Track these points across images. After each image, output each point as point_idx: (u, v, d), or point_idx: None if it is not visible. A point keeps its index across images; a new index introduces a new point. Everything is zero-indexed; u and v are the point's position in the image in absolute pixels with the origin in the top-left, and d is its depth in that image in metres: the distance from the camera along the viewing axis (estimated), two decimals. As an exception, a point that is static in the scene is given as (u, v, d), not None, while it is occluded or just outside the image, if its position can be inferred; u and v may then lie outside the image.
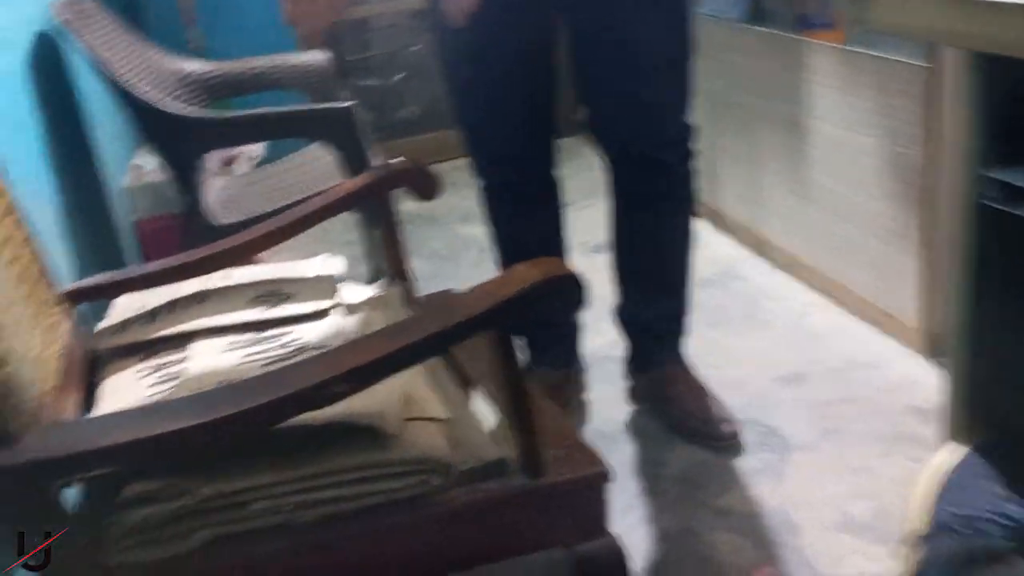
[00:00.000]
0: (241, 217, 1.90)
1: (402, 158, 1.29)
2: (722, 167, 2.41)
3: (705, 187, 2.35)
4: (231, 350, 1.11)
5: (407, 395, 0.93)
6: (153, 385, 1.06)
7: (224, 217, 1.90)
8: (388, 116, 3.66)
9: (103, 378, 1.11)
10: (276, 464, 0.85)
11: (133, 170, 2.48)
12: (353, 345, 0.84)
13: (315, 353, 1.03)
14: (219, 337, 1.14)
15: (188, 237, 1.87)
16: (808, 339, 1.92)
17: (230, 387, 0.82)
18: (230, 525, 0.83)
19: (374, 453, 0.86)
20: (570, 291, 0.84)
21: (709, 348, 1.85)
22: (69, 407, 0.99)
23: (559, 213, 1.71)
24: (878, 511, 1.39)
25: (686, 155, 1.57)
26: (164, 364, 1.11)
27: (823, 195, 2.00)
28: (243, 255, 1.23)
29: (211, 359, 1.09)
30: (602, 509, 0.94)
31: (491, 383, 1.07)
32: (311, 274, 1.27)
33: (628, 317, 1.71)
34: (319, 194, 1.83)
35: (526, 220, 1.67)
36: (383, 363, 0.81)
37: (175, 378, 1.06)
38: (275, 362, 1.03)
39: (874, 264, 1.87)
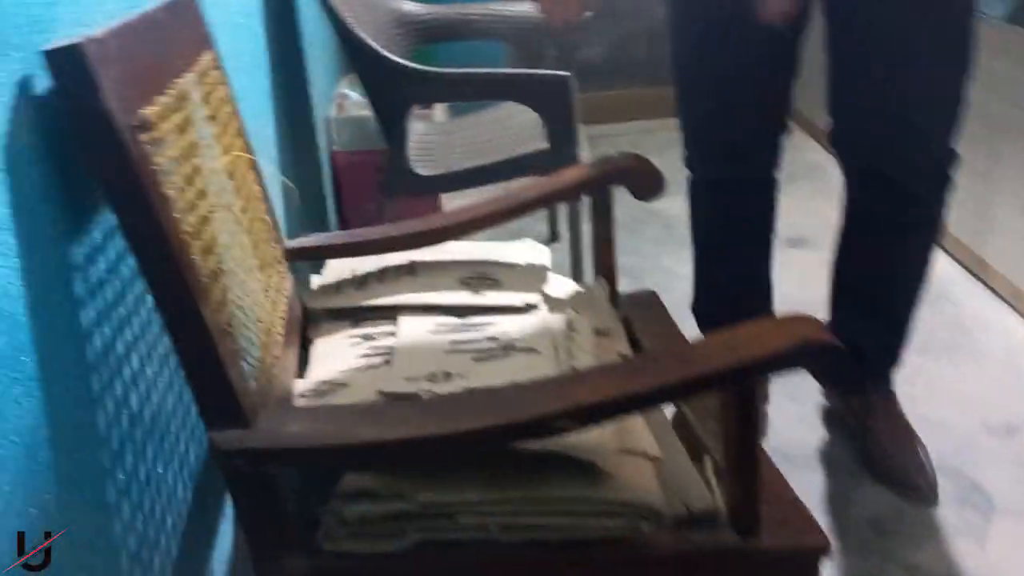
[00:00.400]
0: (440, 170, 1.90)
1: (626, 152, 1.23)
2: (948, 174, 2.20)
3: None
4: (437, 332, 1.11)
5: (621, 425, 0.89)
6: (363, 356, 1.07)
7: (422, 167, 1.90)
8: (569, 55, 3.57)
9: (314, 337, 1.14)
10: (486, 482, 0.83)
11: (338, 99, 2.53)
12: (582, 380, 0.80)
13: (523, 357, 1.01)
14: (425, 316, 1.14)
15: (387, 184, 1.89)
16: (1025, 385, 1.74)
17: (460, 402, 0.81)
18: (438, 532, 0.83)
19: (586, 489, 0.83)
20: (827, 360, 0.76)
21: (912, 375, 1.72)
22: (289, 367, 1.02)
23: (772, 217, 1.59)
24: (1093, 603, 1.26)
25: (943, 186, 1.39)
26: (374, 334, 1.12)
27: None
28: (460, 233, 1.21)
29: (419, 339, 1.09)
30: (813, 582, 0.87)
31: (708, 423, 1.02)
32: (520, 261, 1.24)
33: (839, 334, 1.58)
34: (521, 157, 1.84)
35: (736, 220, 1.57)
36: (613, 405, 0.77)
37: (384, 353, 1.06)
38: (484, 358, 1.02)
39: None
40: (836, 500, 1.47)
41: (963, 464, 1.53)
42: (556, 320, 1.11)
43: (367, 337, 1.12)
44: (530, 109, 1.83)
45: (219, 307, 0.79)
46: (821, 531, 0.87)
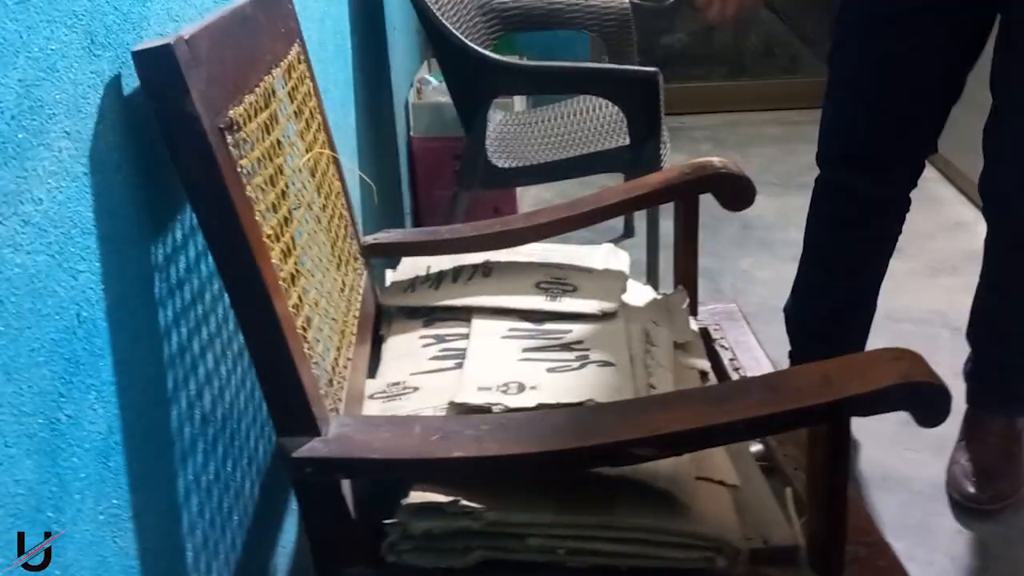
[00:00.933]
0: (518, 163, 1.87)
1: (716, 160, 1.18)
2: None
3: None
4: (510, 337, 1.08)
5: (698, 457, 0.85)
6: (434, 358, 1.06)
7: (500, 158, 1.88)
8: (652, 40, 3.49)
9: (387, 335, 1.12)
10: (559, 504, 0.81)
11: (417, 84, 2.51)
12: (664, 407, 0.77)
13: (598, 370, 0.98)
14: (499, 319, 1.12)
15: (464, 175, 1.87)
16: None
17: (534, 422, 0.78)
18: (505, 552, 0.81)
19: (662, 519, 0.80)
20: (933, 403, 0.71)
21: None
22: (361, 367, 1.01)
23: (896, 237, 1.49)
24: None
25: None
26: (446, 336, 1.10)
27: None
28: (539, 236, 1.19)
29: (491, 344, 1.07)
30: (895, 628, 0.83)
31: (788, 448, 0.97)
32: (598, 266, 1.21)
33: (980, 364, 1.50)
34: (602, 153, 1.80)
35: (859, 235, 1.47)
36: (695, 436, 0.73)
37: (456, 356, 1.05)
38: (559, 369, 0.99)
39: None
40: (917, 530, 1.41)
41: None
42: (634, 331, 1.07)
43: (439, 338, 1.10)
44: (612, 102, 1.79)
45: (295, 310, 0.78)
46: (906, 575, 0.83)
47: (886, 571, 0.83)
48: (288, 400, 0.74)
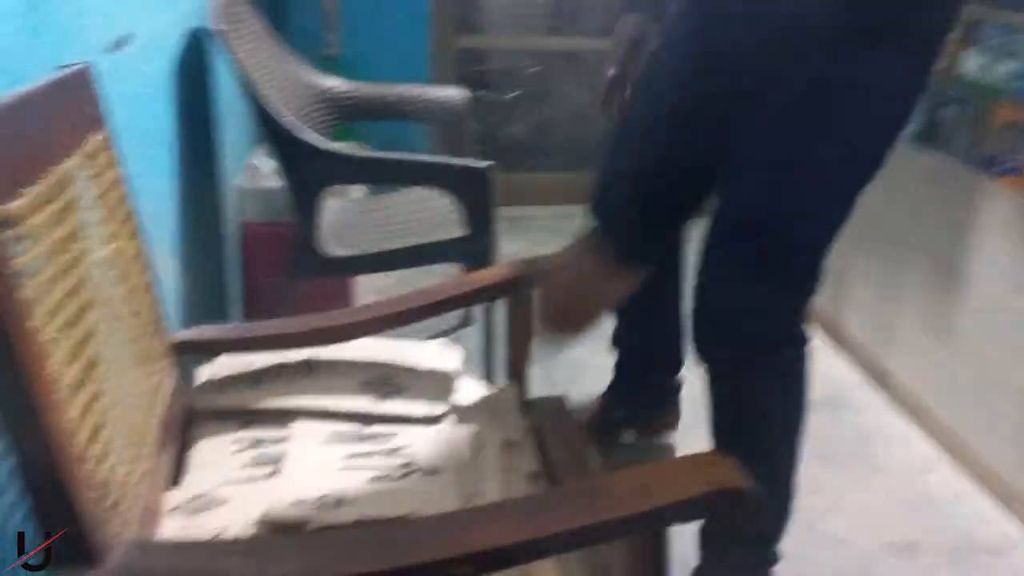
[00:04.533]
0: (352, 252, 1.83)
1: (551, 256, 1.19)
2: (852, 280, 2.26)
3: (828, 294, 2.19)
4: (333, 442, 1.03)
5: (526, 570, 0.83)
6: (247, 467, 0.99)
7: (335, 247, 1.83)
8: (494, 130, 3.59)
9: (195, 439, 1.04)
10: None
11: (248, 170, 2.44)
12: (482, 521, 0.74)
13: (423, 480, 0.94)
14: (322, 422, 1.07)
15: (294, 265, 1.81)
16: (925, 502, 1.75)
17: (347, 540, 0.73)
18: None
19: None
20: (744, 510, 0.72)
21: (813, 485, 1.70)
22: (160, 481, 0.92)
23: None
24: None
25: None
26: (262, 441, 1.04)
27: (968, 351, 1.84)
28: (368, 331, 1.15)
29: (312, 451, 1.01)
30: None
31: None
32: (426, 365, 1.18)
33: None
34: (437, 243, 1.79)
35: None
36: (514, 551, 0.71)
37: (272, 461, 0.98)
38: (382, 479, 0.94)
39: (1016, 438, 1.70)
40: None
41: (865, 585, 1.52)
42: (463, 435, 1.05)
43: (256, 442, 1.04)
44: (448, 194, 1.79)
45: (81, 418, 0.70)
46: None
47: None
48: (61, 524, 0.66)
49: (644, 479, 0.75)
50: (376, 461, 0.98)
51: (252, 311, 2.39)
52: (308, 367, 1.15)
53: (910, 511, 1.72)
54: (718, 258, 1.24)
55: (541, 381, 1.39)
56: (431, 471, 0.95)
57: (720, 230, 1.23)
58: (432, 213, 2.00)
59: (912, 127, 2.00)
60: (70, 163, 0.80)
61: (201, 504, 0.90)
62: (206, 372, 1.15)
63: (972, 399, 1.82)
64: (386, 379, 1.13)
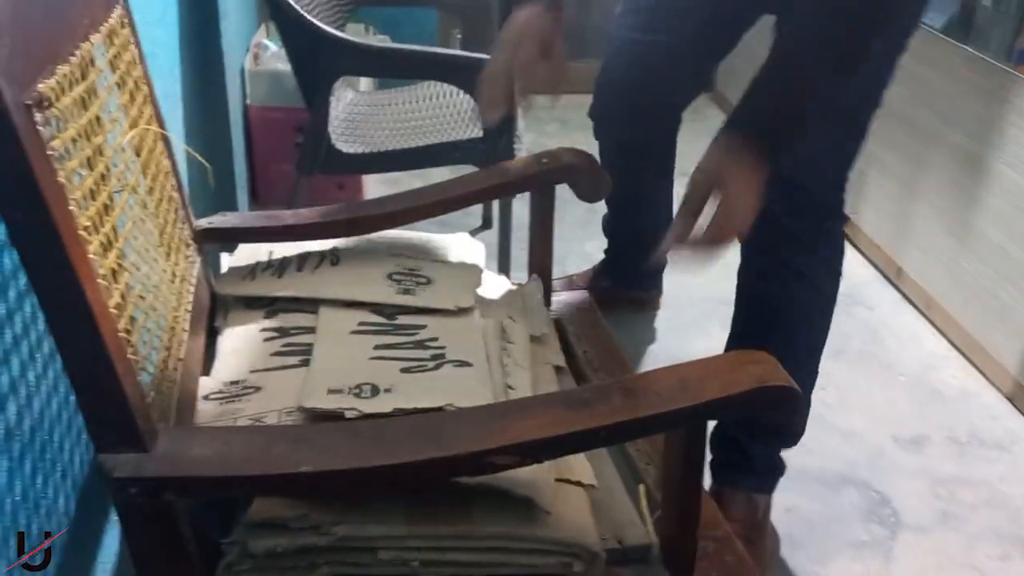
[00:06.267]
0: (364, 149, 1.79)
1: (572, 151, 1.17)
2: (872, 178, 2.23)
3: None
4: (360, 332, 1.02)
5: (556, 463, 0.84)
6: (277, 354, 0.99)
7: (346, 142, 1.78)
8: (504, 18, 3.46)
9: (225, 327, 1.04)
10: (411, 514, 0.77)
11: (255, 50, 2.36)
12: (523, 414, 0.74)
13: (455, 371, 0.94)
14: (348, 312, 1.06)
15: (306, 161, 1.76)
16: (933, 398, 1.78)
17: (390, 431, 0.73)
18: (354, 568, 0.76)
19: (520, 526, 0.77)
20: (785, 405, 0.72)
21: (824, 380, 1.71)
22: (194, 368, 0.92)
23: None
24: (989, 625, 1.29)
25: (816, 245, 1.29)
26: (290, 329, 1.03)
27: (987, 247, 1.82)
28: (388, 224, 1.13)
29: (341, 340, 1.00)
30: (743, 621, 0.85)
31: (640, 443, 0.98)
32: (453, 257, 1.17)
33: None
34: (454, 144, 1.75)
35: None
36: (556, 444, 0.71)
37: (302, 351, 0.98)
38: (414, 369, 0.94)
39: (1027, 336, 1.71)
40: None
41: (872, 477, 1.56)
42: (490, 328, 1.04)
43: (283, 331, 1.03)
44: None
45: (118, 310, 0.69)
46: (754, 570, 0.85)
47: (733, 565, 0.85)
48: (108, 413, 0.65)
49: (683, 376, 0.75)
50: (406, 352, 0.97)
51: (262, 200, 2.36)
52: (333, 257, 1.14)
53: (919, 406, 1.75)
54: None
55: (554, 275, 1.38)
56: (462, 363, 0.95)
57: None
58: (447, 111, 1.94)
59: (944, 18, 1.93)
60: (93, 41, 0.77)
61: (236, 391, 0.90)
62: (229, 260, 1.14)
63: (986, 297, 1.82)
64: (412, 271, 1.12)
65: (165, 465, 0.68)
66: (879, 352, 1.91)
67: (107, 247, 0.71)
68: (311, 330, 1.02)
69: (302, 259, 1.13)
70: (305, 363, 0.95)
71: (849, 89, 1.15)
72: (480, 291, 1.12)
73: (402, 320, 1.05)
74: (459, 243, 1.20)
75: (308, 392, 0.86)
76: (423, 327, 1.03)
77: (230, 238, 1.11)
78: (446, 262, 1.15)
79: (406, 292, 1.08)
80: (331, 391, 0.86)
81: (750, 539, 1.33)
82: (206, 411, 0.87)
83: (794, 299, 1.28)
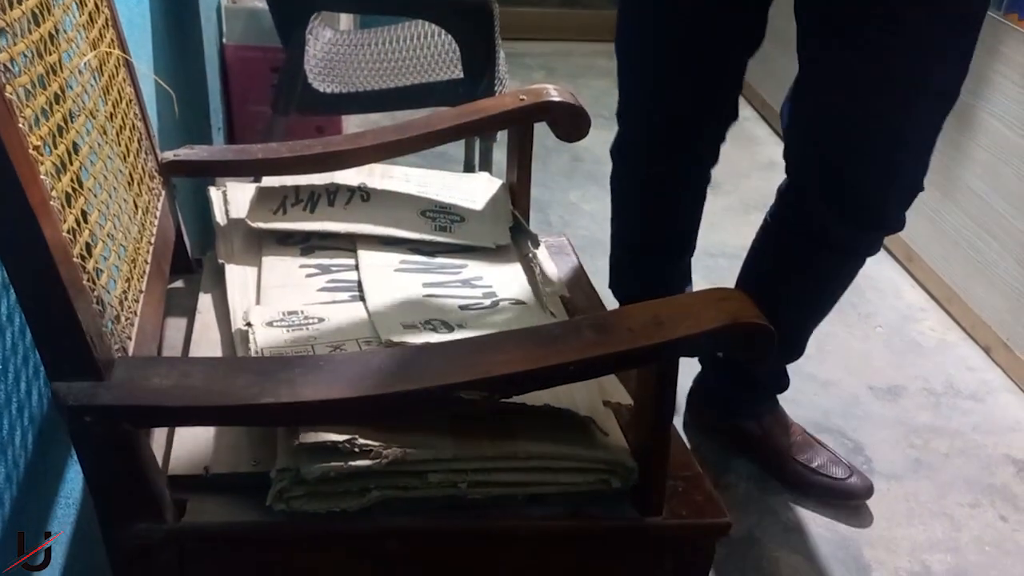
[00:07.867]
0: (342, 88, 1.74)
1: (553, 88, 1.14)
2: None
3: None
4: (403, 270, 1.02)
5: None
6: (326, 291, 0.97)
7: (323, 82, 1.74)
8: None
9: (260, 259, 1.02)
10: (457, 437, 0.76)
11: (231, -15, 2.30)
12: (496, 346, 0.73)
13: (515, 309, 0.95)
14: (387, 251, 1.05)
15: (284, 97, 1.72)
16: (911, 349, 1.78)
17: (361, 364, 0.72)
18: (403, 491, 0.75)
19: (562, 445, 0.78)
20: (758, 343, 0.71)
21: (803, 332, 1.73)
22: (156, 302, 0.90)
23: (703, 199, 1.48)
24: (956, 570, 1.31)
25: (871, 244, 1.30)
26: (331, 267, 1.02)
27: (969, 199, 1.81)
28: (365, 159, 1.10)
29: (388, 277, 0.99)
30: (709, 561, 0.85)
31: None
32: (480, 195, 1.15)
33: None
34: (434, 84, 1.71)
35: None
36: (528, 378, 0.70)
37: (349, 288, 0.97)
38: (472, 307, 0.95)
39: (1006, 288, 1.71)
40: (718, 456, 1.47)
41: (847, 425, 1.56)
42: (525, 266, 1.05)
43: (323, 268, 1.02)
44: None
45: (72, 235, 0.67)
46: (723, 509, 0.84)
47: (704, 505, 0.84)
48: (62, 340, 0.63)
49: (657, 313, 0.73)
50: (456, 291, 0.97)
51: (238, 141, 2.31)
52: (364, 193, 1.11)
53: (896, 357, 1.76)
54: None
55: (537, 224, 1.36)
56: (516, 301, 0.95)
57: None
58: (428, 52, 1.90)
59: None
60: (45, -47, 0.73)
61: (299, 320, 0.89)
62: (237, 195, 1.10)
63: (967, 249, 1.82)
64: (444, 208, 1.11)
65: (121, 394, 0.66)
66: (858, 303, 1.91)
67: (61, 170, 0.68)
68: (352, 268, 1.01)
69: (331, 193, 1.10)
70: (355, 299, 0.94)
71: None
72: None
73: (441, 260, 1.05)
74: (482, 182, 1.18)
75: (385, 327, 0.86)
76: (464, 266, 1.04)
77: (198, 172, 1.08)
78: (476, 199, 1.14)
79: (442, 230, 1.08)
80: (405, 326, 0.86)
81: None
82: (276, 337, 0.86)
83: (821, 275, 1.30)
